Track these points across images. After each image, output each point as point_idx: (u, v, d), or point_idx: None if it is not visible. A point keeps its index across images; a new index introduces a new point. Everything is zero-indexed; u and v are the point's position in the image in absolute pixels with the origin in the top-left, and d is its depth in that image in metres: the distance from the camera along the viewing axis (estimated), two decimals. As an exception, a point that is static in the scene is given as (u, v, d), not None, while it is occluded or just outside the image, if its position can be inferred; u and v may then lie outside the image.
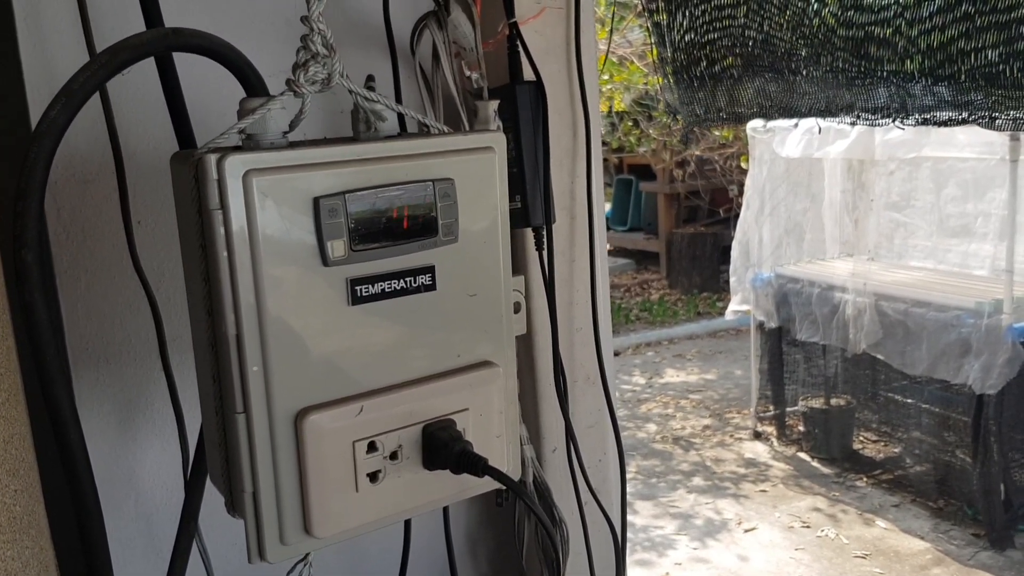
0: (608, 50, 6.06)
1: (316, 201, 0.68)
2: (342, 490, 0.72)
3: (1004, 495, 4.36)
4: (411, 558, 1.24)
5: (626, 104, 7.30)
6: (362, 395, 0.72)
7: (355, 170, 0.70)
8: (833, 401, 5.38)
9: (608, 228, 10.05)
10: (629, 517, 4.70)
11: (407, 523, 1.10)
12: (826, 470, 5.23)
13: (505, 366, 0.80)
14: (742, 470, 5.36)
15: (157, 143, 1.07)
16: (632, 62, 6.28)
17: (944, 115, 1.46)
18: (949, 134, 4.82)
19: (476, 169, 0.76)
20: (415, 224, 0.72)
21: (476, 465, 0.72)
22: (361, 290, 0.71)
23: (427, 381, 0.75)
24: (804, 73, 1.29)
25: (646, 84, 6.61)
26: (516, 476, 0.82)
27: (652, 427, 6.14)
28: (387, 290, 0.72)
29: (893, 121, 1.48)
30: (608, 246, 10.43)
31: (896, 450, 5.13)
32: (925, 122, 1.44)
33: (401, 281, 0.73)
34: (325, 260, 0.69)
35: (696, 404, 6.54)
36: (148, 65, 0.89)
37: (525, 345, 1.20)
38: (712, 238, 8.57)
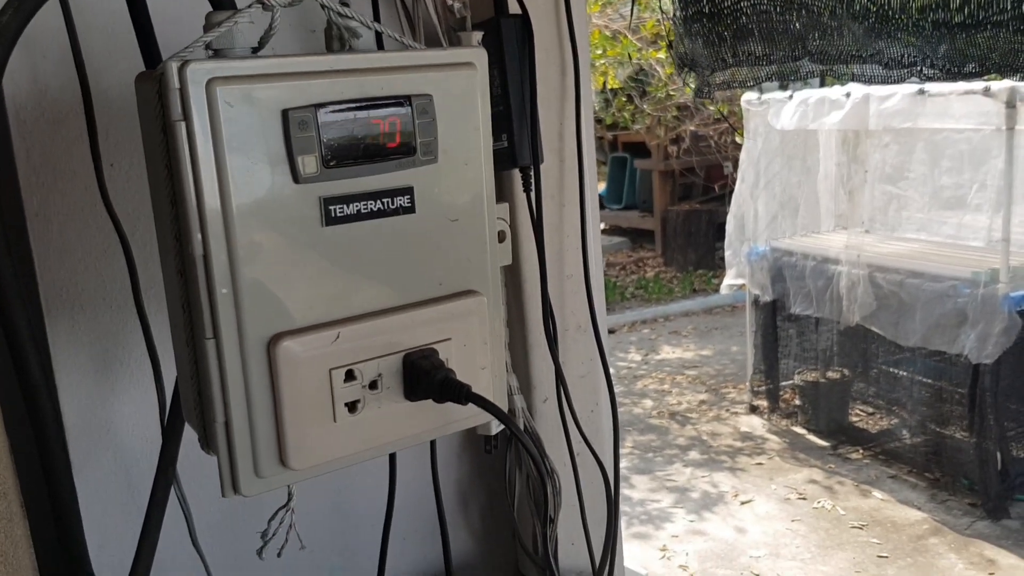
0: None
1: (285, 113, 0.65)
2: (319, 420, 0.69)
3: (1000, 465, 4.36)
4: (400, 514, 1.22)
5: (620, 80, 7.25)
6: (339, 322, 0.69)
7: (327, 82, 0.66)
8: (828, 374, 5.37)
9: (603, 207, 10.01)
10: (626, 492, 4.71)
11: (392, 479, 1.07)
12: (822, 443, 5.23)
13: (490, 295, 0.77)
14: (738, 444, 5.35)
15: (129, 82, 1.03)
16: (625, 36, 6.22)
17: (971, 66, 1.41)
18: (944, 104, 4.78)
19: (456, 86, 0.72)
20: (391, 142, 0.69)
21: (459, 392, 0.69)
22: (335, 210, 0.67)
23: (407, 309, 0.72)
24: (833, 13, 1.25)
25: (640, 59, 6.55)
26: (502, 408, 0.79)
27: (648, 403, 6.13)
28: (363, 211, 0.69)
29: (920, 73, 1.43)
30: (603, 225, 10.43)
31: (891, 422, 5.13)
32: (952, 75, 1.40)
33: (378, 202, 0.69)
34: (296, 177, 0.66)
35: (692, 380, 6.53)
36: (117, 2, 0.85)
37: (514, 292, 1.17)
38: (707, 215, 8.54)
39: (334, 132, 0.66)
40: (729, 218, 5.70)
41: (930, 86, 4.82)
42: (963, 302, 4.30)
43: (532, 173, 1.06)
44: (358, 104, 0.67)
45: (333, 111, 0.66)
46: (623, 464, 5.17)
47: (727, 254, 5.68)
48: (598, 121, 8.20)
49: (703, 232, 8.58)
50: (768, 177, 5.64)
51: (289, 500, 0.92)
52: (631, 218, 9.61)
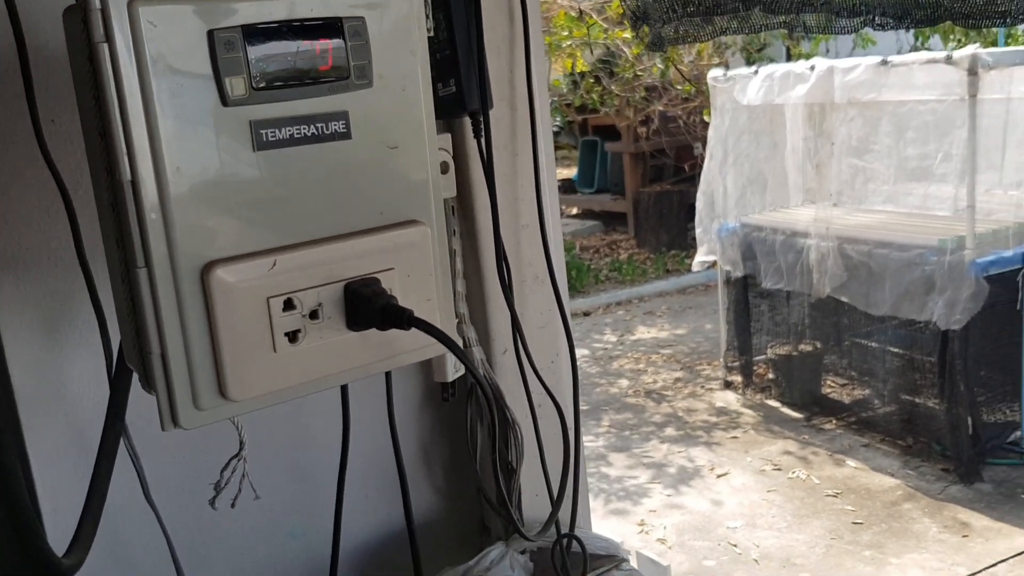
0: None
1: (211, 34, 0.63)
2: (258, 350, 0.67)
3: (971, 430, 4.42)
4: (361, 471, 1.21)
5: (588, 63, 7.24)
6: (275, 250, 0.68)
7: (254, 3, 0.65)
8: (800, 347, 5.41)
9: (575, 191, 10.01)
10: (603, 470, 4.72)
11: (345, 432, 1.05)
12: (795, 415, 5.27)
13: (433, 227, 0.76)
14: (713, 419, 5.39)
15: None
16: (591, 17, 6.21)
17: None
18: (907, 74, 4.81)
19: (390, 9, 0.71)
20: (323, 65, 0.68)
21: (400, 316, 0.68)
22: (266, 134, 0.66)
23: (347, 238, 0.71)
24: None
25: (606, 39, 6.54)
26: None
27: (624, 382, 6.15)
28: (296, 136, 0.67)
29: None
30: (575, 209, 10.40)
31: (864, 392, 5.18)
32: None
33: (311, 127, 0.68)
34: (224, 99, 0.64)
35: (667, 358, 6.56)
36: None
37: (469, 243, 1.16)
38: (679, 196, 8.57)
39: (262, 53, 0.65)
40: (699, 195, 5.72)
41: (893, 57, 4.87)
42: (931, 270, 4.35)
43: (481, 118, 1.05)
44: (287, 25, 0.66)
45: (261, 32, 0.65)
46: (600, 443, 5.19)
47: (698, 231, 5.71)
48: (567, 105, 8.18)
49: (675, 213, 8.61)
50: (736, 153, 5.66)
51: (241, 449, 0.91)
52: (603, 201, 9.62)
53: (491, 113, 1.07)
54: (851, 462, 4.65)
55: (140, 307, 0.65)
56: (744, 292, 5.53)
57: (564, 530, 1.11)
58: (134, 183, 0.62)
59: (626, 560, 1.17)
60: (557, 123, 9.80)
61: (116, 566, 1.07)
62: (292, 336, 0.69)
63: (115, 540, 1.05)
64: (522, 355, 1.15)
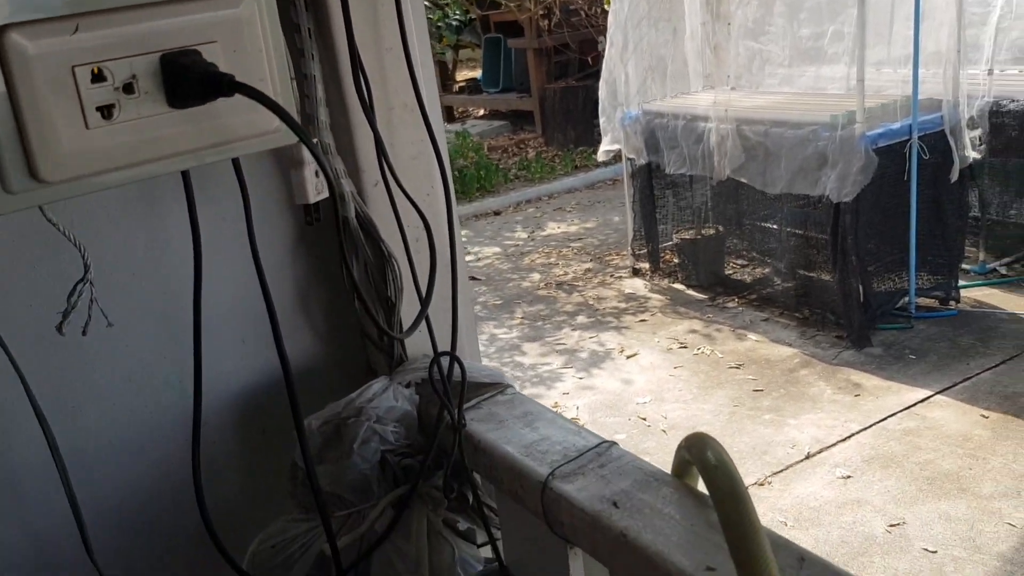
0: None
1: None
2: (69, 126, 0.62)
3: (862, 298, 4.63)
4: (237, 316, 1.17)
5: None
6: (78, 14, 0.62)
7: None
8: (704, 231, 5.54)
9: (480, 91, 9.85)
10: (518, 359, 4.76)
11: (196, 239, 0.95)
12: (700, 296, 5.43)
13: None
14: (623, 305, 5.50)
15: None
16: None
17: None
18: (800, -48, 4.82)
19: None
20: None
21: (220, 81, 0.64)
22: None
23: (161, 4, 0.66)
24: None
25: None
26: (293, 138, 0.75)
27: (536, 276, 6.21)
28: None
29: None
30: (482, 109, 10.26)
31: (764, 271, 5.36)
32: None
33: None
34: None
35: (577, 251, 6.63)
36: None
37: (330, 70, 1.10)
38: (584, 91, 8.52)
39: None
40: (601, 84, 5.69)
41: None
42: (823, 145, 4.46)
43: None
44: None
45: None
46: (513, 335, 5.26)
47: (601, 120, 5.70)
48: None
49: (581, 109, 8.57)
50: (636, 40, 5.63)
51: (86, 272, 0.86)
52: (509, 101, 9.51)
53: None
54: (752, 336, 4.83)
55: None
56: (649, 180, 5.59)
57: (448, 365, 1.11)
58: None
59: (511, 386, 1.18)
60: (458, 18, 9.54)
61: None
62: (106, 112, 0.64)
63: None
64: (392, 186, 1.11)
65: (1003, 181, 5.11)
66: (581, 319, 5.38)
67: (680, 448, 0.88)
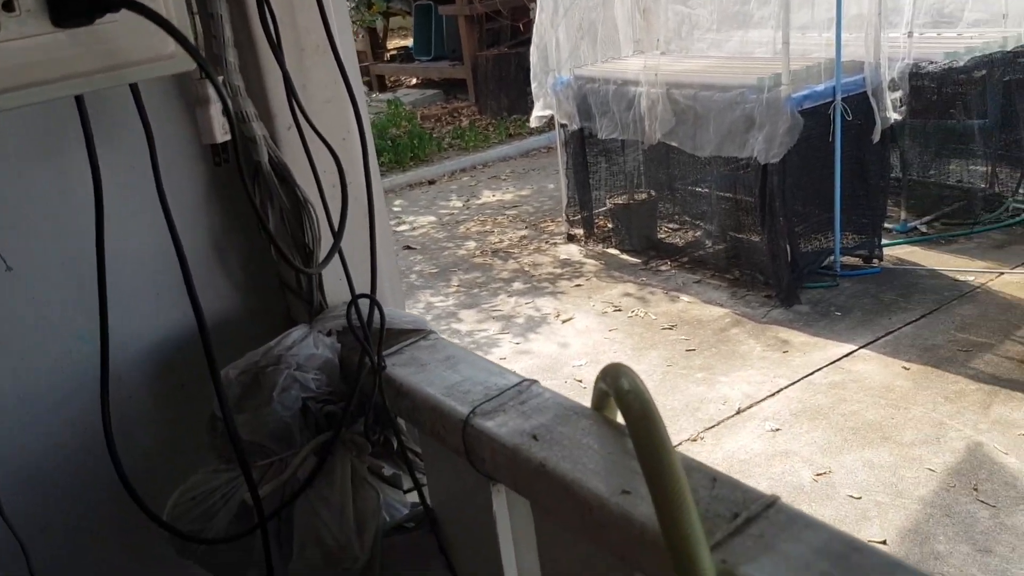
0: None
1: None
2: (-56, 44, 0.59)
3: (790, 258, 4.74)
4: (149, 269, 1.14)
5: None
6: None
7: None
8: (636, 196, 5.59)
9: (412, 59, 9.73)
10: (454, 326, 4.75)
11: (96, 174, 0.91)
12: (634, 260, 5.49)
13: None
14: (558, 271, 5.53)
15: None
16: None
17: None
18: (726, -85, 4.85)
19: None
20: None
21: (108, -1, 0.62)
22: None
23: (41, -81, 0.63)
24: None
25: None
26: (190, 63, 0.72)
27: (471, 244, 6.19)
28: None
29: None
30: (414, 78, 10.13)
31: (696, 234, 5.44)
32: None
33: None
34: None
35: (512, 219, 6.63)
36: None
37: (238, 10, 1.07)
38: (517, 58, 8.48)
39: None
40: (532, 50, 5.67)
41: None
42: (750, 107, 4.52)
43: None
44: None
45: None
46: (450, 303, 5.25)
47: (533, 86, 5.69)
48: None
49: (514, 76, 8.54)
50: (567, 5, 5.61)
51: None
52: (442, 69, 9.41)
53: None
54: (685, 297, 4.91)
55: None
56: (582, 146, 5.61)
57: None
58: None
59: (433, 332, 1.17)
60: (387, -16, 9.38)
61: None
62: (-15, 31, 0.61)
63: None
64: (305, 128, 1.09)
65: (923, 142, 5.27)
66: (517, 285, 5.39)
67: (597, 380, 0.89)
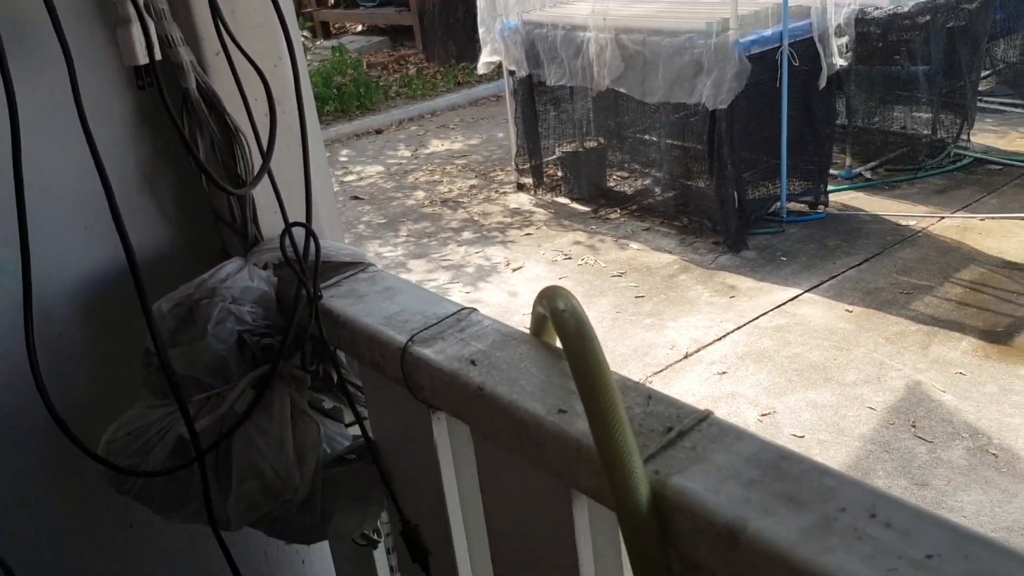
0: None
1: None
2: None
3: (737, 205, 4.79)
4: (77, 200, 1.10)
5: None
6: None
7: None
8: (586, 144, 5.57)
9: (357, 5, 9.50)
10: (403, 275, 4.72)
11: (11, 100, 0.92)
12: (584, 208, 5.49)
13: None
14: (508, 220, 5.52)
15: None
16: None
17: None
18: None
19: None
20: None
21: None
22: None
23: None
24: None
25: None
26: None
27: (420, 194, 6.13)
28: None
29: None
30: (360, 25, 9.91)
31: (645, 182, 5.46)
32: None
33: None
34: None
35: (462, 168, 6.57)
36: None
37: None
38: (464, 4, 8.32)
39: None
40: (480, -7, 5.57)
41: None
42: (699, 52, 4.52)
43: None
44: None
45: None
46: (399, 252, 5.21)
47: (481, 31, 5.60)
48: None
49: (461, 23, 8.39)
50: (514, -52, 5.51)
51: None
52: (388, 15, 9.21)
53: None
54: (634, 245, 4.94)
55: None
56: (530, 94, 5.56)
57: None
58: None
59: (372, 264, 1.15)
60: (329, -73, 9.10)
61: None
62: None
63: None
64: (234, 53, 1.05)
65: (868, 88, 5.33)
66: (467, 235, 5.36)
67: (535, 304, 0.89)
